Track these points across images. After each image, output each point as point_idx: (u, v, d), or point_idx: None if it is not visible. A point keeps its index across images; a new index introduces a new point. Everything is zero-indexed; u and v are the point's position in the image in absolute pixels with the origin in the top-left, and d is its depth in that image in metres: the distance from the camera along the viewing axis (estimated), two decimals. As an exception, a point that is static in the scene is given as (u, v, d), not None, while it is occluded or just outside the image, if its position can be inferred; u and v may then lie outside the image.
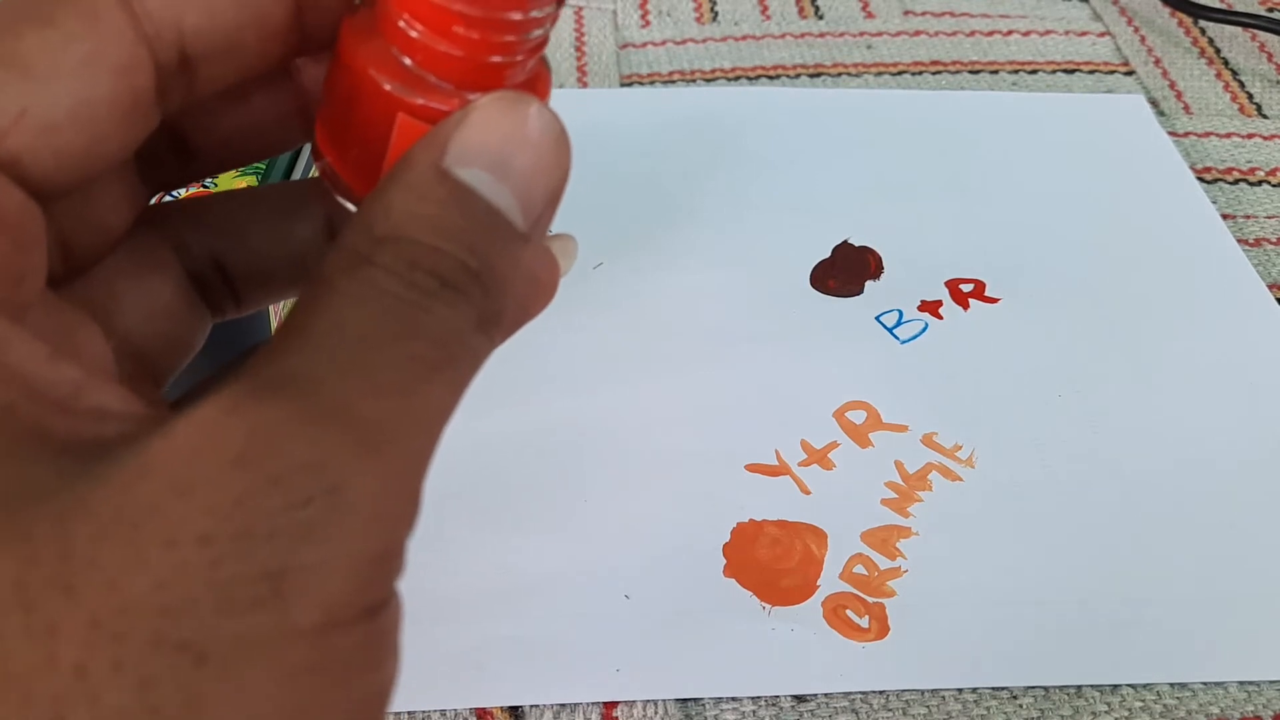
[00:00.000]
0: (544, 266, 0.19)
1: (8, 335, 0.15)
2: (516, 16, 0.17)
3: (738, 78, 0.55)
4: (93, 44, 0.16)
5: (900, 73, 0.56)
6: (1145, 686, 0.33)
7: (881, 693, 0.32)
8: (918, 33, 0.58)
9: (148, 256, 0.20)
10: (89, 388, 0.15)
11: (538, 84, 0.18)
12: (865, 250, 0.46)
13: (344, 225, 0.17)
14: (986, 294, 0.44)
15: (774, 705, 0.32)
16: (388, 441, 0.15)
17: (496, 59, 0.17)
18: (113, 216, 0.19)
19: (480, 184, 0.16)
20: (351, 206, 0.18)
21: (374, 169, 0.18)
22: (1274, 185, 0.50)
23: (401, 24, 0.17)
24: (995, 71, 0.56)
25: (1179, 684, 0.33)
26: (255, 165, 0.35)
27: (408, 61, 0.17)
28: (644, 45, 0.57)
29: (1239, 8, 0.60)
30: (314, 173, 0.21)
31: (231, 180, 0.34)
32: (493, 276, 0.17)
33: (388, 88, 0.17)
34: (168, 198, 0.24)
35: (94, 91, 0.16)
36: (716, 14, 0.59)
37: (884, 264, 0.45)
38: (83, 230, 0.18)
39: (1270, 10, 0.60)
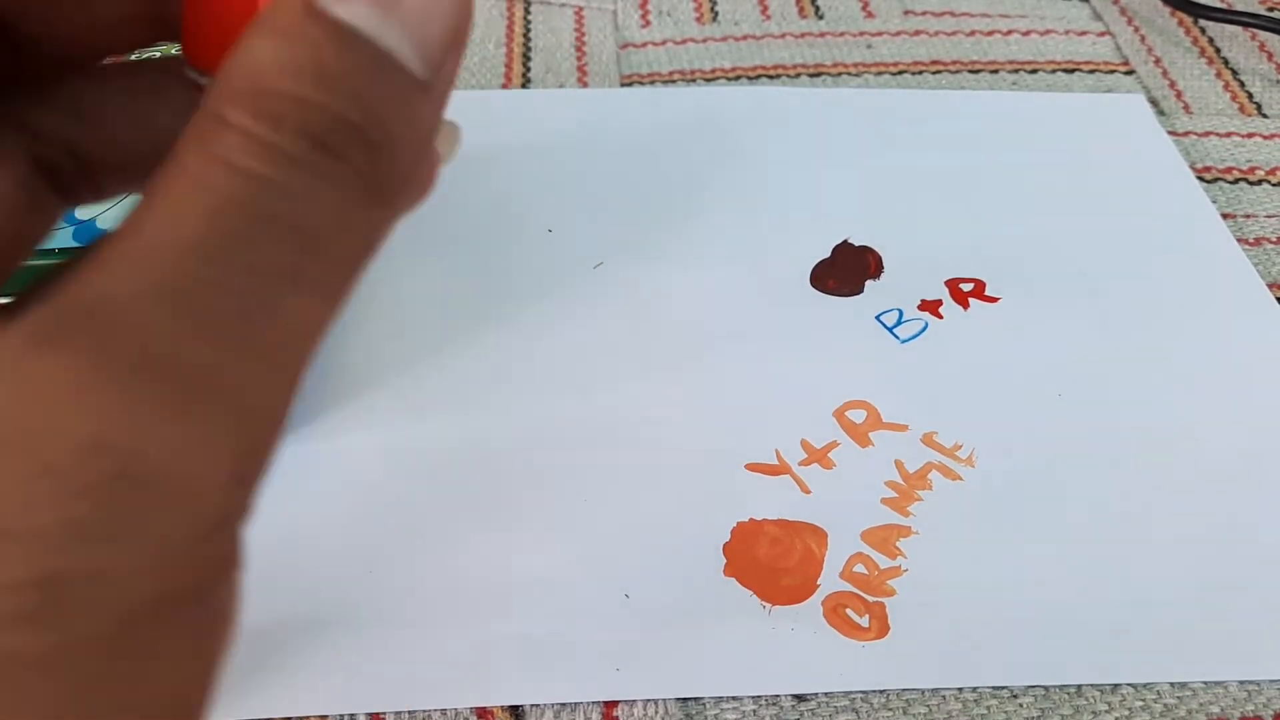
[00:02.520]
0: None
1: None
2: None
3: (738, 78, 0.55)
4: None
5: (900, 72, 0.56)
6: (1145, 686, 0.33)
7: (882, 692, 0.32)
8: (918, 32, 0.58)
9: None
10: None
11: None
12: (865, 250, 0.46)
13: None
14: (986, 293, 0.44)
15: (774, 704, 0.32)
16: (214, 396, 0.12)
17: None
18: None
19: (363, 21, 0.13)
20: None
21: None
22: (1274, 184, 0.50)
23: None
24: (995, 71, 0.56)
25: (1179, 683, 0.33)
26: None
27: None
28: (644, 45, 0.57)
29: (1239, 7, 0.60)
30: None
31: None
32: (384, 132, 0.14)
33: None
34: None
35: None
36: (716, 14, 0.59)
37: (884, 264, 0.45)
38: None
39: (1270, 10, 0.60)
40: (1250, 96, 0.55)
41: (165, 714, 0.13)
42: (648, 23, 0.58)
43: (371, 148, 0.13)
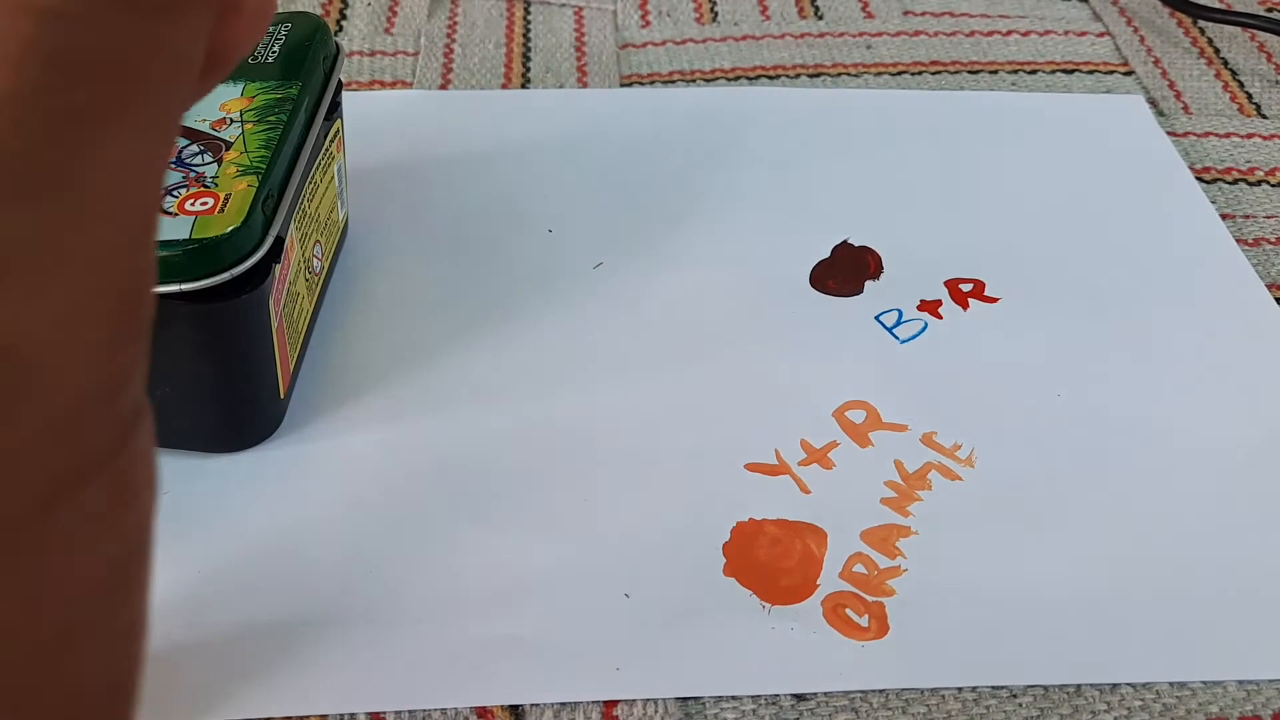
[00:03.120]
0: None
1: None
2: None
3: (738, 78, 0.55)
4: None
5: (900, 73, 0.56)
6: (1144, 685, 0.33)
7: (881, 691, 0.32)
8: (917, 33, 0.58)
9: None
10: None
11: None
12: (865, 250, 0.46)
13: None
14: (986, 294, 0.44)
15: (774, 704, 0.32)
16: (54, 265, 0.11)
17: None
18: None
19: None
20: None
21: None
22: (1273, 185, 0.50)
23: None
24: (995, 71, 0.56)
25: (1178, 683, 0.33)
26: (256, 164, 0.35)
27: None
28: (644, 45, 0.57)
29: (1238, 8, 0.60)
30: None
31: (232, 180, 0.34)
32: None
33: None
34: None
35: None
36: (716, 14, 0.59)
37: (884, 264, 0.45)
38: None
39: (1270, 10, 0.60)
40: (1250, 97, 0.55)
41: (102, 590, 0.12)
42: (648, 23, 0.58)
43: None
